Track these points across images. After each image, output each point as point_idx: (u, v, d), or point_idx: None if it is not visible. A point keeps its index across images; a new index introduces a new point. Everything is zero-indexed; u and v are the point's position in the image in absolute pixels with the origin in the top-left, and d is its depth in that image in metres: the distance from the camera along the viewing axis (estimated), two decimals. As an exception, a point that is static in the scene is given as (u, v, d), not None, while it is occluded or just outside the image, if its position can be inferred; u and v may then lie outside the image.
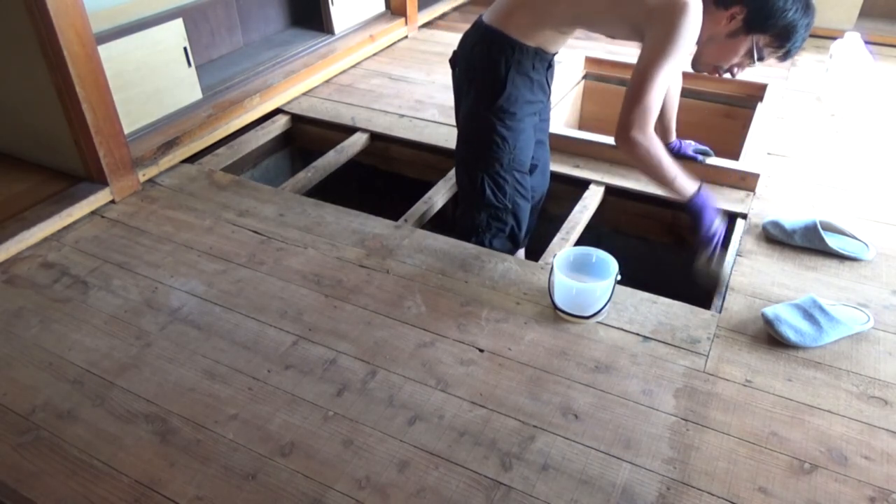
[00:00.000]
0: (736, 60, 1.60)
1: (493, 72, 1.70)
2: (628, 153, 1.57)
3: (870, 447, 1.33)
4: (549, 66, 1.81)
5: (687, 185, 1.63)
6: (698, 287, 1.82)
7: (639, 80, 1.49)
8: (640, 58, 1.52)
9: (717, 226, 1.70)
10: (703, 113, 2.98)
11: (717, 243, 1.72)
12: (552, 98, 2.83)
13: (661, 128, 2.14)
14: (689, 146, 2.21)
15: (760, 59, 1.58)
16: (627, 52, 3.24)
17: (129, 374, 1.50)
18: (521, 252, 2.08)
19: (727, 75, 1.66)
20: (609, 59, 3.06)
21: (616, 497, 1.24)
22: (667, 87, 1.54)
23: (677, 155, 2.18)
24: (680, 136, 2.21)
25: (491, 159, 1.81)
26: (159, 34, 2.36)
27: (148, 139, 2.30)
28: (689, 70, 1.74)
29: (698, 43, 1.57)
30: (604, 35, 1.74)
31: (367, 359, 1.54)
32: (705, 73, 1.70)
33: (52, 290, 1.75)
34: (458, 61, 1.84)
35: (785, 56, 1.58)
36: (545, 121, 1.99)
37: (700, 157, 2.19)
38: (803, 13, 1.50)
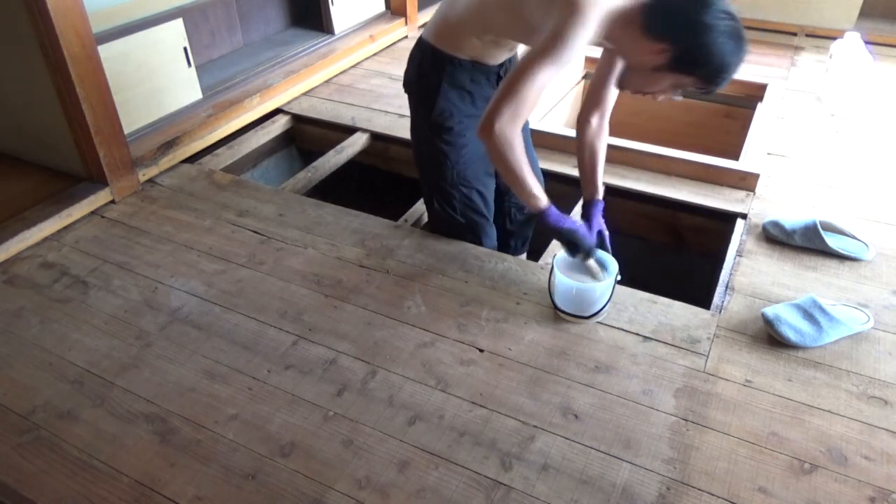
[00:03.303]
0: (658, 90, 1.46)
1: (424, 86, 1.69)
2: (489, 144, 1.44)
3: (870, 447, 1.33)
4: (499, 77, 1.72)
5: (541, 198, 1.55)
6: (696, 287, 1.82)
7: (517, 71, 1.39)
8: (525, 52, 1.42)
9: (575, 232, 1.59)
10: (703, 113, 2.98)
11: (584, 247, 1.61)
12: (551, 99, 2.84)
13: (584, 179, 1.84)
14: (602, 227, 1.82)
15: (685, 95, 1.48)
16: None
17: (129, 374, 1.50)
18: (523, 256, 2.09)
19: (650, 96, 1.51)
20: (609, 59, 3.05)
21: (616, 497, 1.24)
22: (544, 86, 1.40)
23: (587, 217, 1.82)
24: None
25: (435, 175, 1.79)
26: (159, 34, 2.36)
27: (148, 139, 2.30)
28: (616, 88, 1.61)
29: (627, 64, 1.47)
30: (517, 42, 1.65)
31: (367, 359, 1.54)
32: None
33: (52, 290, 1.75)
34: (404, 79, 1.82)
35: (707, 92, 1.45)
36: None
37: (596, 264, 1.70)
38: (734, 54, 1.33)
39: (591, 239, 1.66)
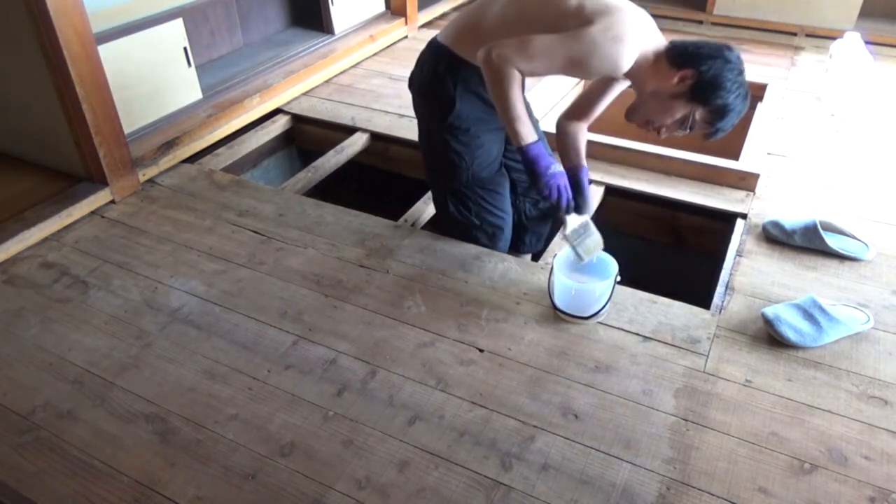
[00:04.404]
0: (669, 122, 1.55)
1: (442, 89, 1.68)
2: (487, 69, 1.50)
3: (870, 447, 1.34)
4: None
5: (527, 133, 1.53)
6: (693, 285, 1.82)
7: (536, 35, 1.48)
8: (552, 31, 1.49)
9: (555, 175, 1.55)
10: (703, 113, 2.97)
11: (563, 199, 1.57)
12: (552, 98, 2.83)
13: (568, 158, 1.80)
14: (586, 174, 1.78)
15: (691, 129, 1.55)
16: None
17: (129, 374, 1.50)
18: (528, 256, 2.09)
19: (654, 132, 1.60)
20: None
21: (616, 497, 1.24)
22: (551, 62, 1.49)
23: (574, 179, 1.71)
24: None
25: (450, 177, 1.80)
26: (159, 34, 2.36)
27: (148, 139, 2.30)
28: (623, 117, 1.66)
29: (641, 93, 1.56)
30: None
31: (367, 359, 1.54)
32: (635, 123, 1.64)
33: (52, 290, 1.75)
34: (413, 80, 1.82)
35: (711, 135, 1.55)
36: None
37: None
38: (742, 99, 1.50)
39: (569, 193, 1.58)
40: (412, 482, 1.26)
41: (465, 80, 1.67)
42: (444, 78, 1.67)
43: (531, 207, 2.04)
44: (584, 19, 1.46)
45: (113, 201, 2.11)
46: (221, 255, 1.88)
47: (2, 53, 1.98)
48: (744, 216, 2.06)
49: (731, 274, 1.81)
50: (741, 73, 1.49)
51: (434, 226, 2.11)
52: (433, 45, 1.73)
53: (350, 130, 2.62)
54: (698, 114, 1.51)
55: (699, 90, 1.47)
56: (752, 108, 2.77)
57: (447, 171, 1.79)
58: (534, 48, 1.46)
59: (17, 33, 1.87)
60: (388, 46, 3.41)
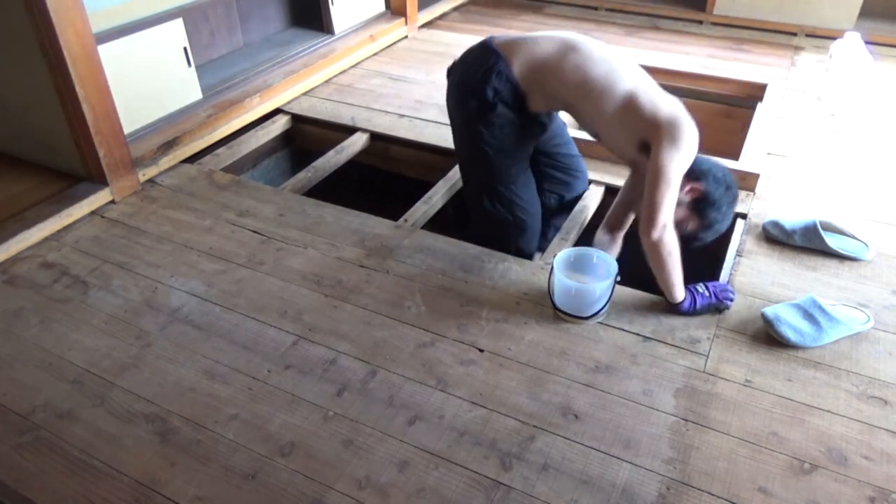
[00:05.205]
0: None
1: (485, 94, 1.73)
2: (652, 250, 1.58)
3: (870, 447, 1.34)
4: (539, 123, 1.84)
5: (680, 293, 1.62)
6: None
7: (653, 186, 1.56)
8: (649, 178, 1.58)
9: (704, 300, 1.64)
10: (703, 113, 2.97)
11: (724, 302, 1.66)
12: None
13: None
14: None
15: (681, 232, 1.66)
16: (628, 52, 3.24)
17: (129, 374, 1.50)
18: (538, 255, 2.10)
19: None
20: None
21: (616, 497, 1.24)
22: (674, 193, 1.56)
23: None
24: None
25: (488, 176, 1.86)
26: (159, 34, 2.36)
27: (148, 139, 2.30)
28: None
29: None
30: (582, 120, 1.80)
31: (367, 359, 1.54)
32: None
33: (52, 290, 1.75)
34: (454, 72, 1.86)
35: (694, 240, 1.69)
36: (560, 145, 2.04)
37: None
38: (726, 222, 1.69)
39: (713, 299, 1.65)
40: (412, 482, 1.26)
41: (508, 92, 1.73)
42: (496, 94, 1.72)
43: (556, 202, 2.09)
44: (651, 122, 1.60)
45: (113, 201, 2.11)
46: (221, 255, 1.88)
47: (2, 53, 1.98)
48: (744, 216, 2.06)
49: (730, 274, 1.81)
50: (735, 199, 1.68)
51: (434, 225, 2.11)
52: (493, 53, 1.74)
53: (350, 130, 2.62)
54: (691, 224, 1.66)
55: (699, 204, 1.64)
56: (752, 108, 2.78)
57: (485, 170, 1.85)
58: (662, 212, 1.52)
59: (17, 33, 1.87)
60: (388, 46, 3.41)
